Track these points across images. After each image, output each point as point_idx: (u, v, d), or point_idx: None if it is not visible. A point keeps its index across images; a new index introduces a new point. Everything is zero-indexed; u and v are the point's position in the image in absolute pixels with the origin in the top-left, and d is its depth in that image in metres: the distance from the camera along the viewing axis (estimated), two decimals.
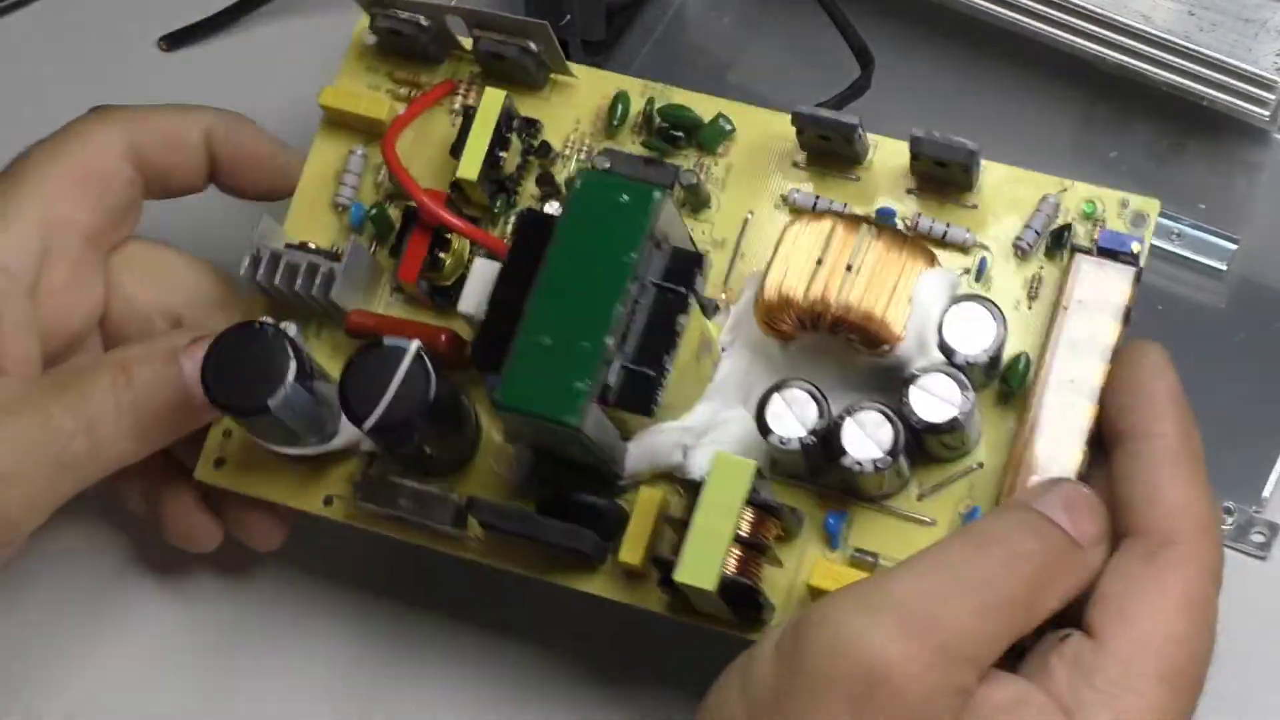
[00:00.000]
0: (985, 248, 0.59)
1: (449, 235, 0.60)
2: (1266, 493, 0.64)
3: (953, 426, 0.55)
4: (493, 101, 0.60)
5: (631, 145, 0.62)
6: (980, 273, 0.59)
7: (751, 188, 0.61)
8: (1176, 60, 0.66)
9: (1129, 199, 0.58)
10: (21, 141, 0.62)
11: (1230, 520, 0.63)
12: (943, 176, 0.59)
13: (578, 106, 0.62)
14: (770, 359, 0.58)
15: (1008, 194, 0.60)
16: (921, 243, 0.57)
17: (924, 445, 0.56)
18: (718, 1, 0.73)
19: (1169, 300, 0.67)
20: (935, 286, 0.56)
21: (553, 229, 0.55)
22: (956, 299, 0.56)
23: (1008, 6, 0.67)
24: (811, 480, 0.58)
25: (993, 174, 0.60)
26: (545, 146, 0.62)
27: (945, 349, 0.55)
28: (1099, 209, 0.59)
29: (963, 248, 0.59)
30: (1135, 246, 0.57)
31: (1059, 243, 0.59)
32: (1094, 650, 0.51)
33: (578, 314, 0.54)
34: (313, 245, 0.61)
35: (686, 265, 0.55)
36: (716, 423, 0.58)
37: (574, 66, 0.62)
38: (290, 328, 0.57)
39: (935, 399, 0.55)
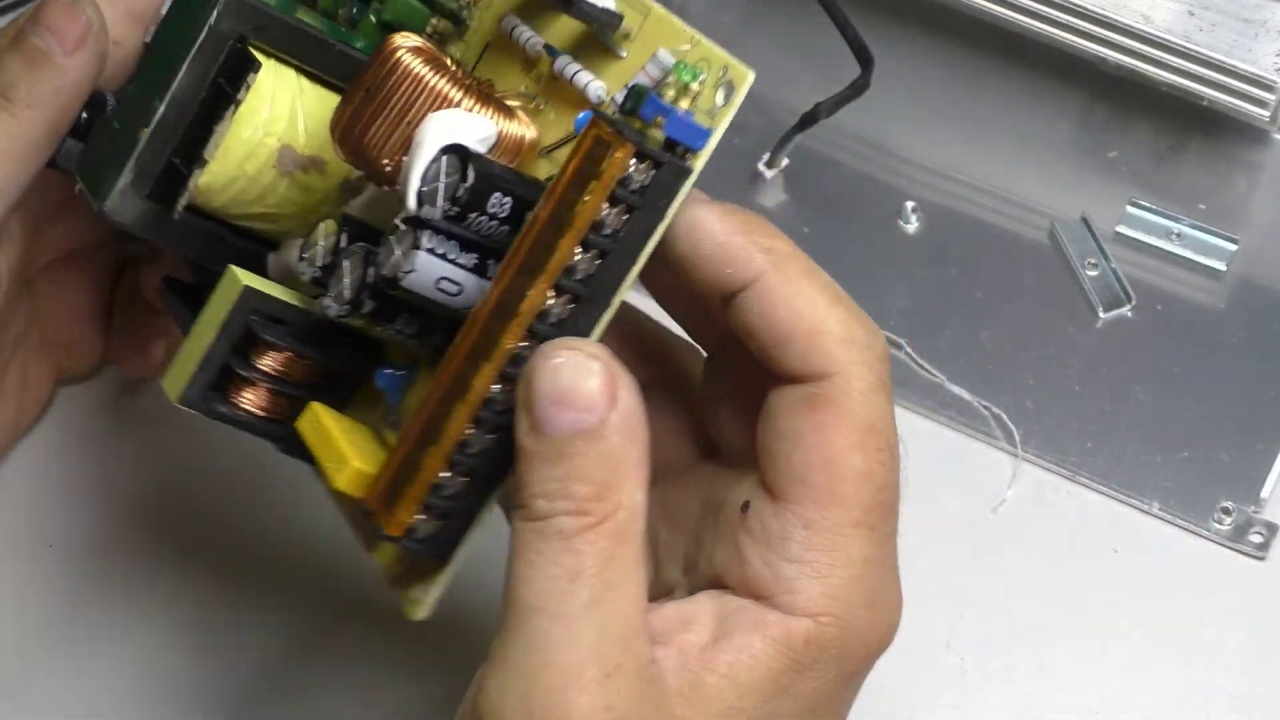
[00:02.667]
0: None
1: None
2: (1265, 493, 0.64)
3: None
4: None
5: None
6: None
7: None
8: (1176, 60, 0.66)
9: (729, 64, 0.49)
10: None
11: (1229, 520, 0.63)
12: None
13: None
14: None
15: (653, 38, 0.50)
16: (448, 81, 0.49)
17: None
18: (718, 1, 0.73)
19: (1168, 300, 0.67)
20: (439, 129, 0.48)
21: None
22: (432, 159, 0.47)
23: (1008, 6, 0.67)
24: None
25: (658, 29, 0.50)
26: None
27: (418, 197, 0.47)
28: (698, 75, 0.49)
29: (582, 91, 0.50)
30: (698, 150, 0.46)
31: (635, 102, 0.47)
32: (778, 515, 0.47)
33: (143, 103, 0.53)
34: None
35: (239, 67, 0.52)
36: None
37: None
38: None
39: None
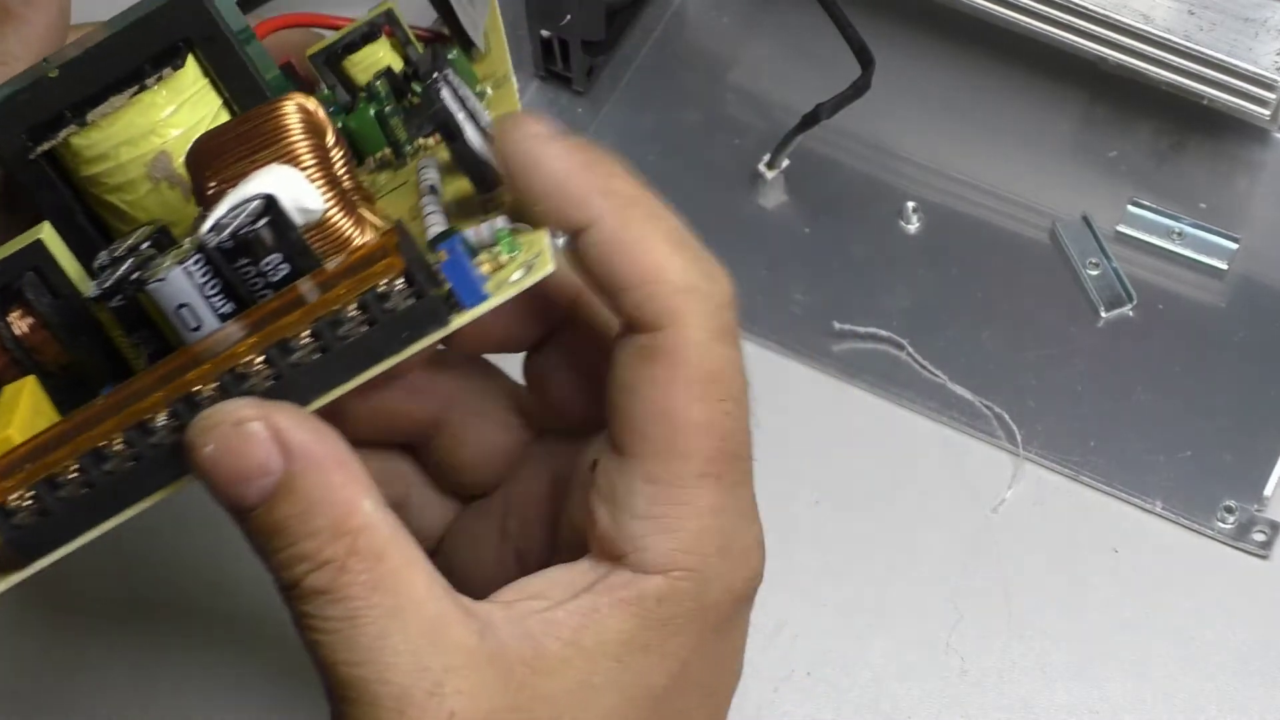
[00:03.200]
0: None
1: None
2: (1268, 491, 0.64)
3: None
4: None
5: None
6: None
7: None
8: (1177, 60, 0.66)
9: (541, 254, 0.45)
10: None
11: (1231, 519, 0.63)
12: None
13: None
14: None
15: None
16: (309, 149, 0.48)
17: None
18: (718, 2, 0.73)
19: (1169, 300, 0.67)
20: (267, 177, 0.47)
21: None
22: (251, 198, 0.47)
23: (1008, 6, 0.67)
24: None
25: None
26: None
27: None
28: (511, 252, 0.46)
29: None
30: (466, 307, 0.46)
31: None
32: (622, 471, 0.45)
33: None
34: None
35: (167, 60, 0.50)
36: None
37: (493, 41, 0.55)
38: None
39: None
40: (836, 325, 0.66)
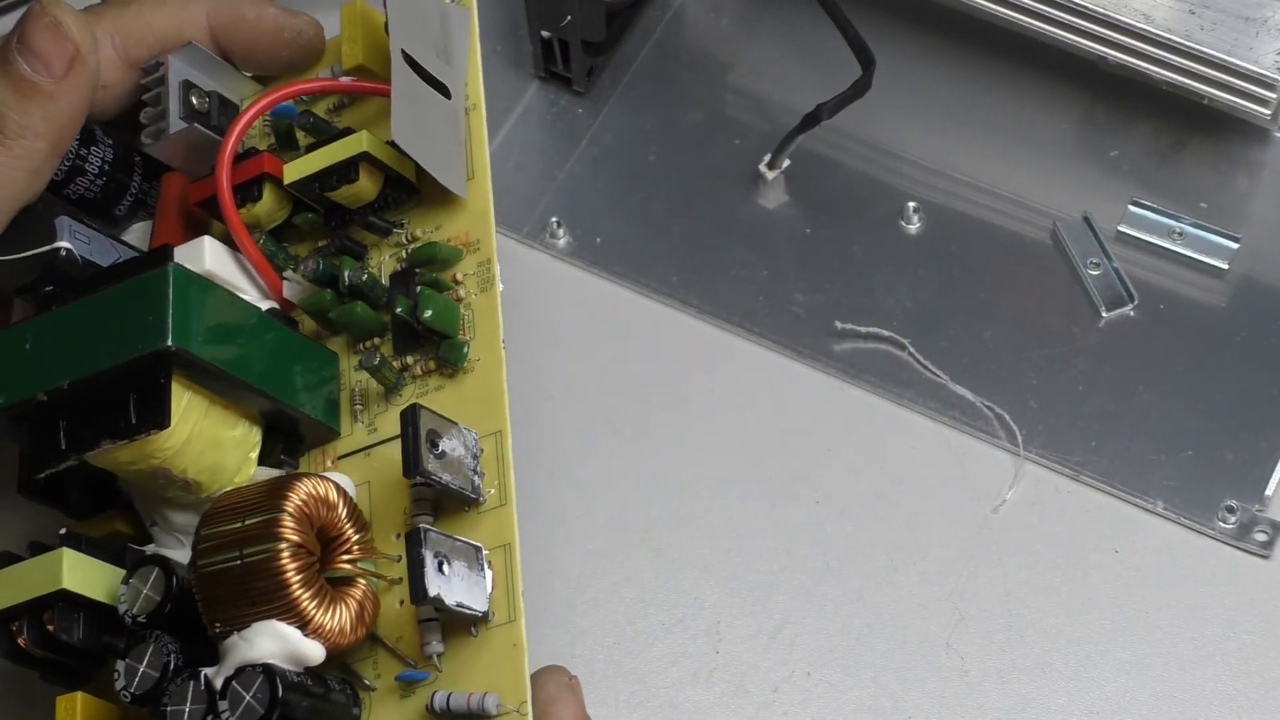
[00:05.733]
0: (440, 669, 0.53)
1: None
2: (1269, 491, 0.63)
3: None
4: (353, 142, 0.57)
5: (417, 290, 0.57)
6: (409, 681, 0.53)
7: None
8: (1177, 59, 0.66)
9: None
10: None
11: (1233, 519, 0.63)
12: None
13: (447, 219, 0.58)
14: None
15: (493, 657, 0.52)
16: (326, 604, 0.52)
17: None
18: (717, 2, 0.73)
19: (1170, 299, 0.67)
20: (274, 639, 0.52)
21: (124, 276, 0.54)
22: (267, 667, 0.51)
23: (1009, 6, 0.67)
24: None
25: (507, 634, 0.52)
26: (384, 220, 0.58)
27: (224, 687, 0.51)
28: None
29: (422, 647, 0.53)
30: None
31: None
32: None
33: (59, 353, 0.53)
34: (201, 98, 0.60)
35: (155, 416, 0.53)
36: (190, 534, 0.55)
37: (476, 191, 0.57)
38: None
39: (184, 707, 0.51)
40: (839, 325, 0.66)
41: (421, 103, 0.57)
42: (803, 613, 0.63)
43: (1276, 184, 0.69)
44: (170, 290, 0.53)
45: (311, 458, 0.57)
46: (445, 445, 0.53)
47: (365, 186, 0.57)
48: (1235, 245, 0.67)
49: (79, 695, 0.54)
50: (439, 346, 0.56)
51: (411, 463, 0.52)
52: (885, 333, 0.66)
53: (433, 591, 0.51)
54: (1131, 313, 0.67)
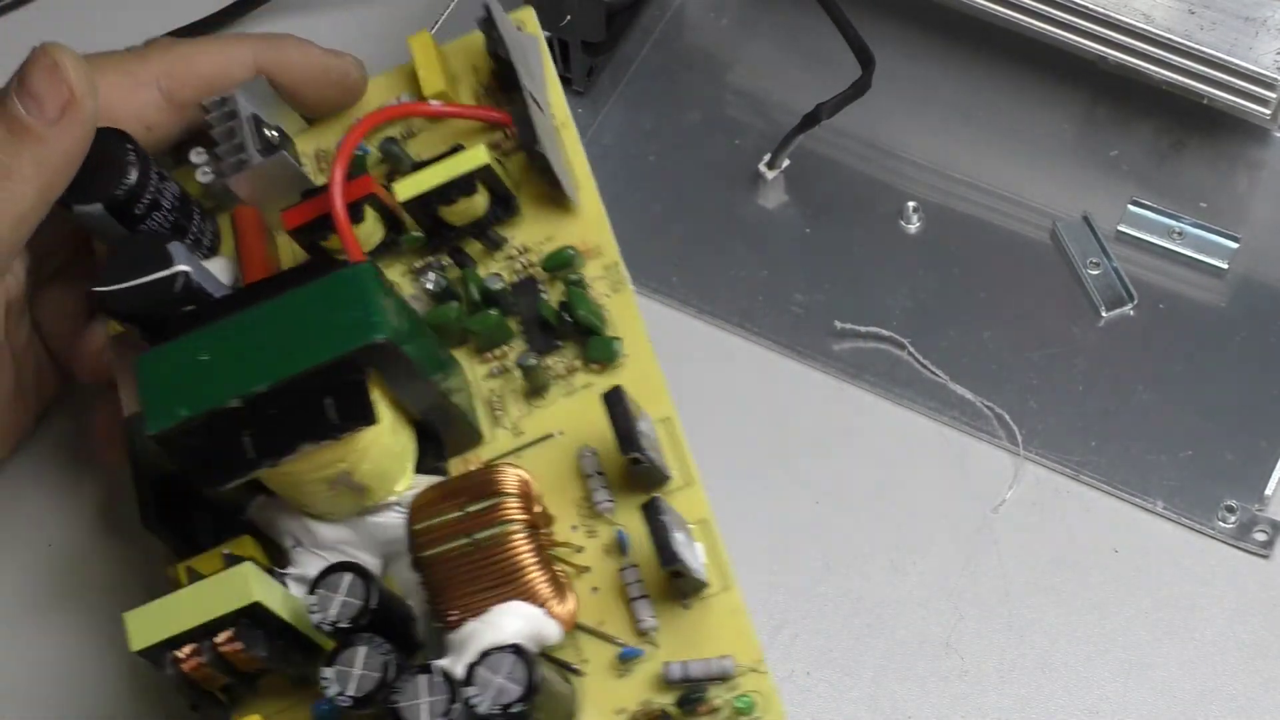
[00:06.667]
0: (656, 645, 0.55)
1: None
2: (1269, 490, 0.64)
3: None
4: (472, 157, 0.59)
5: (556, 295, 0.59)
6: (625, 658, 0.55)
7: (590, 417, 0.57)
8: (1177, 59, 0.66)
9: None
10: None
11: (1233, 519, 0.63)
12: None
13: (560, 229, 0.60)
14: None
15: (714, 623, 0.55)
16: (558, 581, 0.54)
17: None
18: (717, 2, 0.73)
19: (1170, 299, 0.67)
20: (521, 619, 0.53)
21: (302, 280, 0.54)
22: (517, 648, 0.52)
23: (1009, 6, 0.67)
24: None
25: (726, 599, 0.55)
26: (496, 234, 0.60)
27: (469, 673, 0.52)
28: (754, 711, 0.54)
29: (636, 624, 0.55)
30: None
31: (687, 703, 0.54)
32: None
33: (243, 361, 0.53)
34: (269, 130, 0.60)
35: (359, 414, 0.53)
36: (342, 551, 0.56)
37: (588, 199, 0.60)
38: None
39: (422, 700, 0.51)
40: (838, 325, 0.66)
41: (538, 119, 0.59)
42: (802, 613, 0.63)
43: (1276, 184, 0.69)
44: (372, 287, 0.53)
45: (452, 467, 0.58)
46: (643, 425, 0.55)
47: (478, 201, 0.59)
48: (1235, 245, 0.67)
49: (255, 716, 0.54)
50: (586, 345, 0.58)
51: (627, 440, 0.54)
52: (885, 332, 0.66)
53: (681, 555, 0.52)
54: (1131, 312, 0.67)
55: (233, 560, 0.55)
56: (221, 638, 0.53)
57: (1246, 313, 0.66)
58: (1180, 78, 0.66)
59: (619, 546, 0.56)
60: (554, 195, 0.60)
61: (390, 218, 0.60)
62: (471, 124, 0.61)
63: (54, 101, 0.55)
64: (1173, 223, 0.67)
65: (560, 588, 0.54)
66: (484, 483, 0.54)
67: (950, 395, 0.65)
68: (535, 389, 0.58)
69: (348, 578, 0.53)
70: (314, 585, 0.53)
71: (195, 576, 0.55)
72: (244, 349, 0.53)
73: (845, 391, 0.66)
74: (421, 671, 0.51)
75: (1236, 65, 0.65)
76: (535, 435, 0.58)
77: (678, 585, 0.54)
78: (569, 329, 0.58)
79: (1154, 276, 0.67)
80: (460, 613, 0.53)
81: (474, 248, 0.60)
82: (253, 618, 0.53)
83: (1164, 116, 0.69)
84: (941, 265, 0.68)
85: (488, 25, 0.60)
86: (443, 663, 0.52)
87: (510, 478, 0.54)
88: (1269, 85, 0.65)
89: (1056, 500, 0.64)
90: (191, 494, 0.56)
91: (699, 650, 0.55)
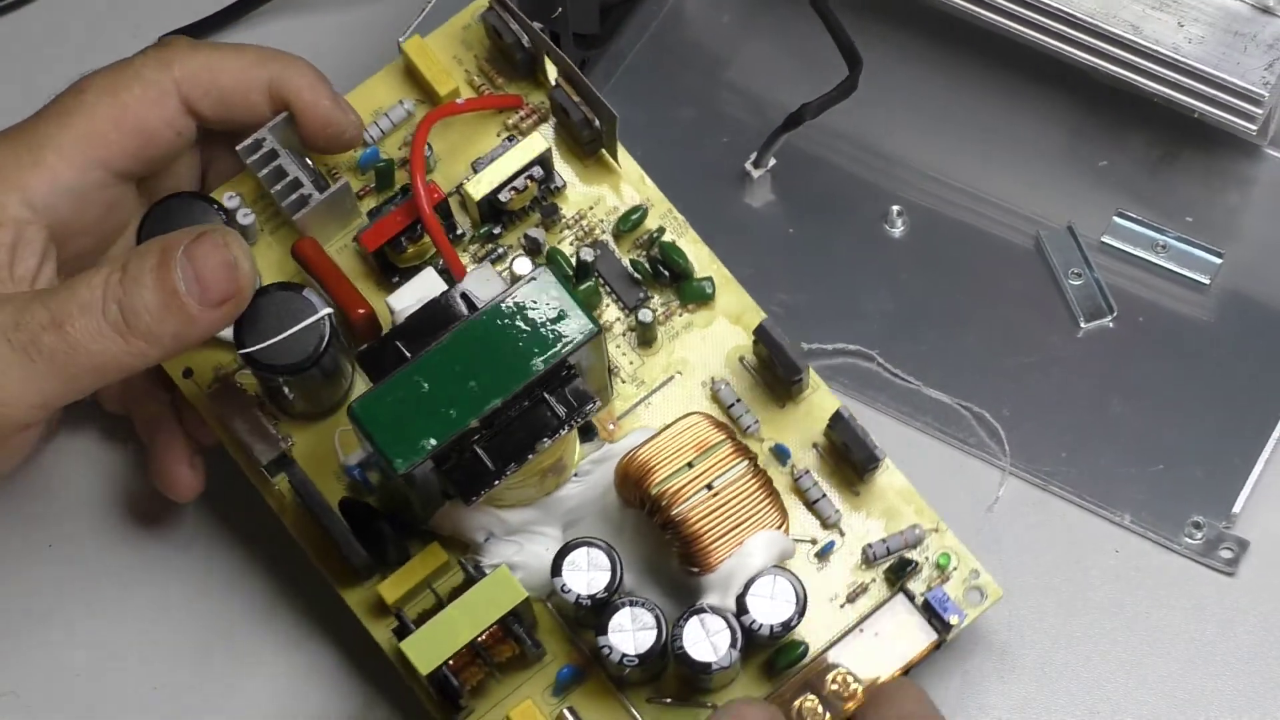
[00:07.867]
0: (842, 533, 0.60)
1: (422, 228, 0.61)
2: (1237, 508, 0.63)
3: (705, 670, 0.56)
4: (533, 145, 0.62)
5: (625, 252, 0.63)
6: (824, 553, 0.60)
7: (700, 352, 0.62)
8: (1164, 71, 0.65)
9: (980, 571, 0.60)
10: None
11: (1199, 535, 0.63)
12: (846, 457, 0.60)
13: (604, 191, 0.64)
14: (606, 510, 0.59)
15: (890, 501, 0.61)
16: (781, 502, 0.58)
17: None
18: (717, 2, 0.73)
19: (1150, 312, 0.66)
20: (768, 546, 0.57)
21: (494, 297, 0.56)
22: (778, 568, 0.57)
23: (999, 12, 0.67)
24: (573, 629, 0.59)
25: (890, 478, 0.61)
26: (554, 207, 0.63)
27: (741, 605, 0.57)
28: (951, 563, 0.60)
29: (824, 521, 0.60)
30: (954, 620, 0.59)
31: (899, 571, 0.60)
32: None
33: (465, 382, 0.55)
34: (309, 161, 0.62)
35: (579, 400, 0.56)
36: (530, 531, 0.59)
37: (624, 158, 0.64)
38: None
39: (705, 639, 0.56)
40: (805, 345, 0.66)
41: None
42: None
43: (1265, 200, 0.68)
44: (568, 288, 0.56)
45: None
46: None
47: (532, 184, 0.62)
48: (1218, 260, 0.67)
49: (528, 702, 0.58)
50: (680, 290, 0.63)
51: (790, 365, 0.60)
52: (852, 346, 0.66)
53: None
54: (1110, 324, 0.66)
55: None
56: (486, 636, 0.56)
57: (1226, 329, 0.66)
58: (1169, 90, 0.66)
59: (778, 458, 0.61)
60: (586, 163, 0.64)
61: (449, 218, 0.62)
62: (475, 113, 0.64)
63: (219, 294, 0.55)
64: (1157, 236, 0.67)
65: (783, 508, 0.58)
66: (695, 434, 0.57)
67: (923, 400, 0.65)
68: (645, 340, 0.62)
69: (588, 553, 0.57)
70: (555, 569, 0.56)
71: (406, 592, 0.59)
72: (459, 373, 0.55)
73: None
74: (693, 614, 0.56)
75: (1224, 80, 0.64)
76: (658, 381, 0.61)
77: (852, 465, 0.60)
78: (653, 279, 0.62)
79: (1136, 289, 0.67)
80: (719, 554, 0.56)
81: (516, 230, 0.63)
82: (513, 612, 0.57)
83: (1156, 128, 0.69)
84: (924, 270, 0.68)
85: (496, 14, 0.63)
86: (709, 602, 0.56)
87: (711, 424, 0.58)
88: (1256, 101, 0.64)
89: (1056, 500, 0.64)
90: (372, 516, 0.59)
91: (885, 529, 0.60)
